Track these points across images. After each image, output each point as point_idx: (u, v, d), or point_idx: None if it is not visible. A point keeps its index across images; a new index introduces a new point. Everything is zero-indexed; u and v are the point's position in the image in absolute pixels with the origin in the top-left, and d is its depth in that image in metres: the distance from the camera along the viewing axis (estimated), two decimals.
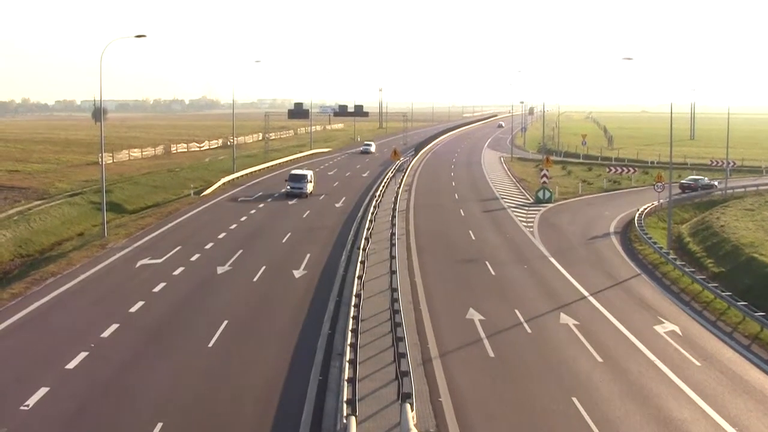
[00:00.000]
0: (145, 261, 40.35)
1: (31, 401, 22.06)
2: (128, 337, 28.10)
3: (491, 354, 28.05)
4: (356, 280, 34.01)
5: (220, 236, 47.51)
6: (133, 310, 31.47)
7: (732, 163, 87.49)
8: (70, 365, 25.02)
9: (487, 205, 66.63)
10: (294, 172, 69.65)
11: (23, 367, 24.83)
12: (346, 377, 22.38)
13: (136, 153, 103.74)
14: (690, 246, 52.44)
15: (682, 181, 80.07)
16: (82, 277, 37.04)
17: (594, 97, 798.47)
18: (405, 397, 20.99)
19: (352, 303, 29.96)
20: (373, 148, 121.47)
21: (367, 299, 32.70)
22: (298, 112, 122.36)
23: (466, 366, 26.77)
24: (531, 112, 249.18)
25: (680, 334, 31.74)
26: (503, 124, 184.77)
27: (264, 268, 39.35)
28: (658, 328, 32.38)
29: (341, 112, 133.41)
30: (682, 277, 41.18)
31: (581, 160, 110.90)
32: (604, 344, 29.71)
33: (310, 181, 68.08)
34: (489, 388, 24.91)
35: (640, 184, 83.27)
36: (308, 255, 42.72)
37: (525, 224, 56.86)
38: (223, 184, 73.72)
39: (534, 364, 27.29)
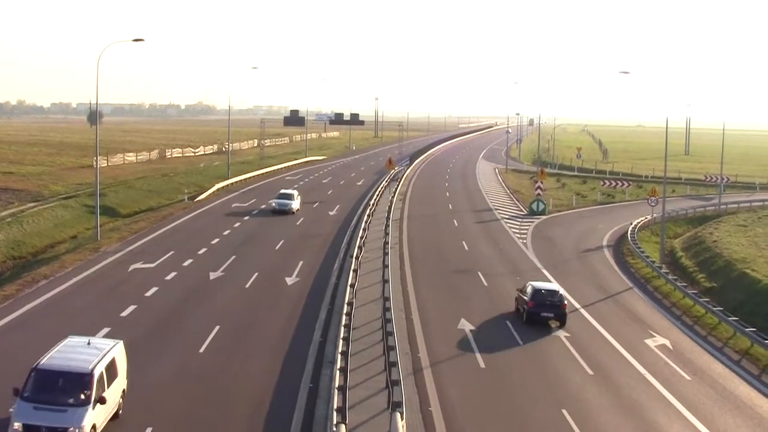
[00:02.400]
0: (138, 265, 40.27)
1: None
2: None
3: (482, 365, 28.06)
4: (348, 288, 34.00)
5: (213, 242, 47.45)
6: (124, 314, 31.40)
7: (726, 179, 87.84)
8: None
9: (481, 216, 66.70)
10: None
11: (13, 370, 24.69)
12: (336, 385, 22.37)
13: (130, 157, 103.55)
14: (682, 260, 52.59)
15: None
16: (75, 280, 36.95)
17: (590, 110, 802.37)
18: (395, 405, 21.00)
19: (344, 311, 29.99)
20: (295, 204, 61.68)
21: (359, 307, 32.70)
22: (294, 119, 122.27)
23: (457, 376, 26.79)
24: (531, 123, 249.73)
25: (671, 348, 31.83)
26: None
27: (256, 274, 39.32)
28: (649, 341, 32.47)
29: (337, 120, 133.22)
30: (674, 292, 41.28)
31: (576, 173, 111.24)
32: (595, 357, 29.77)
33: None
34: (479, 399, 24.92)
35: (634, 197, 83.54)
36: (301, 262, 42.70)
37: (518, 236, 56.93)
38: (218, 189, 73.67)
39: (525, 376, 27.33)
